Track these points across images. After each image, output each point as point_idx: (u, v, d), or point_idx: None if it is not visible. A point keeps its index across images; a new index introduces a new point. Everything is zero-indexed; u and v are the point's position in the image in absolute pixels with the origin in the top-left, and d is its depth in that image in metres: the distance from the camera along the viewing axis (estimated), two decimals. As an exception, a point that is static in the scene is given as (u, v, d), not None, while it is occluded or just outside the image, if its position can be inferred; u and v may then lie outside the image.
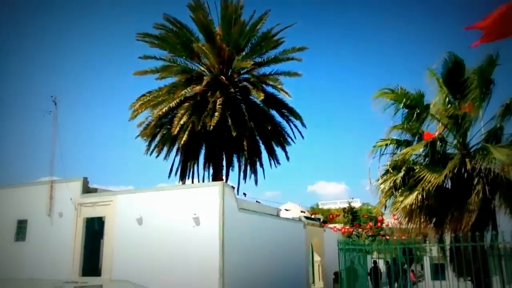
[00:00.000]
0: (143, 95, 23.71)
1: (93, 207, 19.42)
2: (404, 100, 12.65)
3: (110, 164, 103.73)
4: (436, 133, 12.21)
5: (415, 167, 11.86)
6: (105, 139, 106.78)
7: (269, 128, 24.68)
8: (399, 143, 12.71)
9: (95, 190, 20.38)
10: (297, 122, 25.43)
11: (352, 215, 35.83)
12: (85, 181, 20.10)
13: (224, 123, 22.33)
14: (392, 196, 12.27)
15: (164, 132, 23.89)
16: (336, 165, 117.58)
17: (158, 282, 17.03)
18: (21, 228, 20.89)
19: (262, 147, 25.75)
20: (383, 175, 12.56)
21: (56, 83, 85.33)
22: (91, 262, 19.29)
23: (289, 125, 25.54)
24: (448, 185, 12.06)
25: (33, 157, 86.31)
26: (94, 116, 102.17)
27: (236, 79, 24.64)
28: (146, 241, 17.83)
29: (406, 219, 12.50)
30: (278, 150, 25.90)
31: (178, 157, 25.27)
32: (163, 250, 17.40)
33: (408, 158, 11.96)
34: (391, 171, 12.40)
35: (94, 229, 19.63)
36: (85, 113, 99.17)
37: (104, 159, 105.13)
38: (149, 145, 24.54)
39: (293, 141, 25.73)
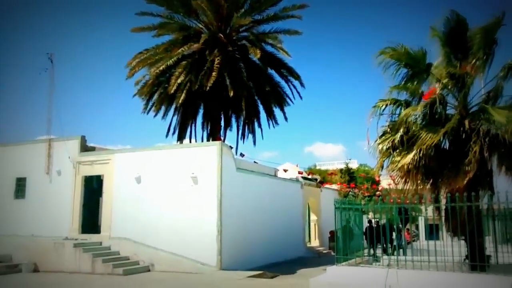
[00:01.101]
0: (140, 52, 23.33)
1: (92, 166, 19.47)
2: (405, 58, 12.43)
3: (107, 123, 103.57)
4: (436, 94, 12.06)
5: (413, 128, 11.78)
6: (102, 98, 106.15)
7: (267, 88, 24.45)
8: (399, 104, 12.55)
9: (93, 149, 20.38)
10: (296, 82, 25.18)
11: (349, 176, 36.12)
12: (83, 140, 20.07)
13: (222, 83, 22.11)
14: (390, 157, 12.26)
15: (161, 91, 23.64)
16: (333, 127, 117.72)
17: (157, 240, 17.30)
18: (20, 186, 21.01)
19: (261, 107, 25.58)
20: (381, 135, 12.49)
21: (52, 41, 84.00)
22: (90, 219, 19.52)
23: (288, 85, 25.28)
24: (446, 145, 12.03)
25: (31, 116, 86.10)
26: (91, 75, 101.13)
27: (234, 37, 24.19)
28: (145, 200, 17.99)
29: (403, 179, 12.53)
30: (277, 111, 25.77)
31: (176, 117, 25.17)
32: (161, 209, 17.59)
33: (407, 119, 11.86)
34: (390, 131, 12.31)
35: (93, 188, 19.76)
36: (82, 71, 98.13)
37: (101, 118, 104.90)
38: (147, 104, 24.36)
39: (291, 101, 25.55)
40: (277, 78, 25.25)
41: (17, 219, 20.54)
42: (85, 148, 20.08)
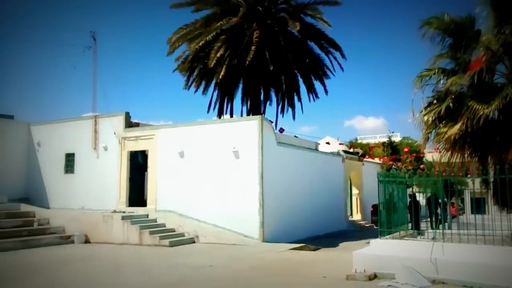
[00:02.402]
0: (180, 28, 23.45)
1: (136, 141, 19.99)
2: (451, 27, 11.97)
3: (149, 99, 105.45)
4: (484, 62, 11.56)
5: (460, 98, 11.39)
6: (145, 74, 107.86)
7: (307, 60, 24.15)
8: (445, 73, 12.15)
9: (137, 125, 20.88)
10: (337, 54, 24.67)
11: (392, 149, 35.47)
12: (128, 116, 20.57)
13: (261, 57, 21.96)
14: (435, 128, 11.95)
15: (201, 66, 23.78)
16: (374, 99, 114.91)
17: (200, 212, 17.72)
18: (69, 161, 21.90)
19: (300, 81, 25.34)
20: (426, 106, 12.17)
21: (95, 19, 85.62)
22: (137, 193, 20.17)
23: (328, 57, 24.84)
24: (495, 116, 11.58)
25: (76, 93, 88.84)
26: (133, 52, 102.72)
27: (273, 10, 23.90)
28: (188, 174, 18.38)
29: (449, 151, 12.22)
30: (317, 84, 25.47)
31: (216, 92, 25.31)
32: (204, 182, 17.94)
33: (454, 88, 11.47)
34: (435, 102, 11.97)
35: (138, 162, 20.35)
36: (125, 49, 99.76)
37: (143, 94, 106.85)
38: (188, 80, 24.58)
39: (332, 73, 25.14)
40: (317, 50, 24.88)
41: (68, 193, 21.51)
42: (129, 124, 20.59)
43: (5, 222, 17.20)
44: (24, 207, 19.52)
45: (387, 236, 10.68)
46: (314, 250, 15.59)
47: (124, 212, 18.40)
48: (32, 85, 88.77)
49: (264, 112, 24.80)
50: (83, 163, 21.50)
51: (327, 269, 10.93)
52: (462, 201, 31.62)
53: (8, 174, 21.95)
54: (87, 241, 17.37)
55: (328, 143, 28.12)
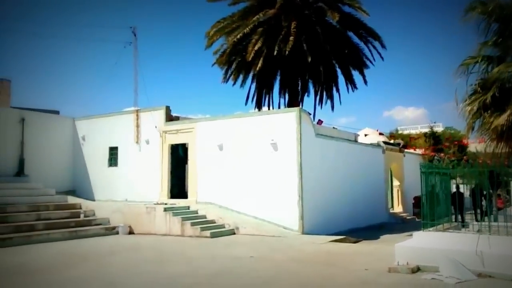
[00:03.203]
0: (218, 22, 23.61)
1: (177, 134, 20.36)
2: (497, 12, 11.52)
3: (187, 93, 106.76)
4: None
5: (507, 85, 10.98)
6: (183, 68, 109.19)
7: (346, 51, 23.84)
8: (490, 61, 11.74)
9: (177, 118, 21.25)
10: (376, 43, 24.20)
11: (434, 140, 34.56)
12: (168, 110, 20.97)
13: (299, 48, 21.84)
14: (480, 118, 11.58)
15: (239, 59, 23.90)
16: (415, 89, 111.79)
17: (240, 204, 17.91)
18: (113, 154, 22.58)
19: (339, 71, 25.06)
20: (471, 95, 11.81)
21: (134, 14, 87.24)
22: (178, 185, 20.59)
23: (368, 47, 24.42)
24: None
25: (118, 88, 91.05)
26: (172, 46, 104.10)
27: (310, 0, 23.67)
28: (227, 166, 18.59)
29: (495, 142, 11.83)
30: (355, 74, 25.13)
31: (254, 85, 25.40)
32: (243, 174, 18.09)
33: (501, 76, 11.06)
34: (480, 90, 11.59)
35: (179, 155, 20.73)
36: (164, 43, 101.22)
37: (182, 88, 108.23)
38: (226, 73, 24.78)
39: (372, 63, 24.71)
40: (356, 40, 24.50)
41: (112, 185, 22.20)
42: (169, 117, 20.99)
43: (53, 213, 17.94)
44: (71, 199, 20.28)
45: (430, 229, 10.47)
46: (355, 242, 15.49)
47: (166, 204, 18.81)
48: (76, 81, 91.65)
49: (302, 104, 24.72)
50: (126, 156, 22.11)
51: (368, 262, 10.84)
52: (508, 192, 30.50)
53: (55, 167, 22.85)
54: (131, 232, 17.89)
55: (367, 134, 27.74)
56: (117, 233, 17.70)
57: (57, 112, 28.36)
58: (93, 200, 21.93)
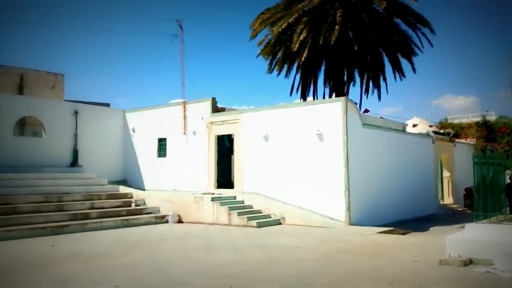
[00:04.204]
0: (262, 13, 23.65)
1: (223, 125, 20.63)
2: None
3: (231, 84, 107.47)
4: None
5: None
6: (227, 60, 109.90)
7: (393, 38, 23.29)
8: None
9: (223, 110, 21.51)
10: (425, 30, 23.48)
11: (487, 129, 33.25)
12: (214, 101, 21.25)
13: (345, 37, 21.55)
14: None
15: (284, 49, 23.85)
16: (464, 77, 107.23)
17: (286, 195, 17.97)
18: (162, 145, 23.18)
19: (386, 60, 24.54)
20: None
21: (180, 8, 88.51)
22: (224, 176, 20.89)
23: (416, 34, 23.74)
24: None
25: (165, 80, 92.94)
26: (216, 39, 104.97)
27: (356, -13, 23.25)
28: (273, 156, 18.67)
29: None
30: (403, 62, 24.53)
31: (299, 75, 25.31)
32: (288, 165, 18.12)
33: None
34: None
35: (225, 146, 21.01)
36: (208, 35, 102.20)
37: (226, 79, 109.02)
38: (270, 63, 24.82)
39: (420, 50, 24.03)
40: (404, 27, 23.89)
41: (161, 175, 22.83)
42: (215, 109, 21.27)
43: (106, 202, 18.67)
44: (123, 189, 21.02)
45: (483, 221, 10.15)
46: (403, 234, 15.23)
47: (213, 194, 19.16)
48: (125, 74, 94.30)
49: (347, 93, 24.42)
50: (174, 147, 22.64)
51: (418, 253, 10.66)
52: None
53: (107, 158, 23.72)
54: (180, 221, 18.37)
55: (416, 124, 27.06)
56: (167, 221, 18.22)
57: (107, 105, 29.36)
58: (143, 189, 22.62)
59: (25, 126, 23.87)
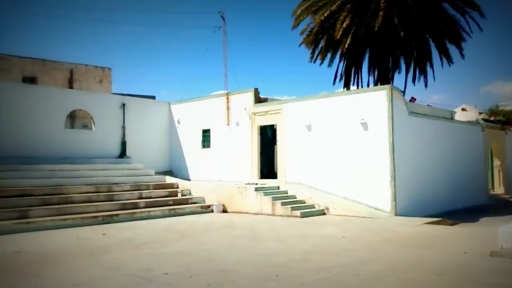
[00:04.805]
0: (304, 0, 23.42)
1: (265, 116, 20.70)
2: None
3: (273, 74, 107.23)
4: None
5: None
6: (270, 50, 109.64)
7: (440, 23, 22.54)
8: None
9: (265, 100, 21.57)
10: (475, 14, 22.57)
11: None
12: (257, 92, 21.35)
13: (389, 23, 21.05)
14: None
15: (326, 38, 23.59)
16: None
17: (329, 185, 17.89)
18: (206, 136, 23.56)
19: (432, 46, 23.81)
20: None
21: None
22: (267, 166, 21.01)
23: (465, 18, 22.87)
24: None
25: (208, 72, 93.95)
26: (258, 29, 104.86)
27: (401, -28, 22.59)
28: (316, 146, 18.59)
29: None
30: (451, 48, 23.71)
31: (342, 63, 24.98)
32: (332, 155, 18.00)
33: None
34: None
35: (267, 136, 21.10)
36: (250, 26, 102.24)
37: (268, 70, 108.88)
38: (313, 52, 24.62)
39: (469, 35, 23.15)
40: (451, 11, 23.07)
41: (205, 166, 23.23)
42: (258, 99, 21.37)
43: (153, 192, 19.20)
44: (169, 179, 21.52)
45: (539, 211, 9.75)
46: (452, 225, 14.85)
47: (256, 184, 19.31)
48: (169, 67, 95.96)
49: (392, 81, 23.94)
50: (217, 138, 22.95)
51: (467, 245, 10.38)
52: None
53: (154, 149, 24.34)
54: (224, 210, 18.66)
55: (463, 109, 26.18)
56: (212, 211, 18.55)
57: (153, 97, 30.11)
58: (189, 180, 23.10)
59: (76, 119, 24.88)
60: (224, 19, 22.76)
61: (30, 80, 27.09)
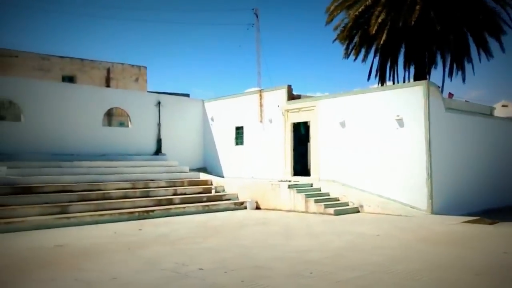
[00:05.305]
0: (338, -4, 23.17)
1: (298, 113, 20.64)
2: None
3: (306, 71, 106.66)
4: None
5: None
6: (303, 46, 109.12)
7: (479, 17, 21.85)
8: None
9: (298, 97, 21.50)
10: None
11: None
12: (290, 89, 21.30)
13: (426, 17, 20.57)
14: None
15: (361, 33, 23.26)
16: None
17: (364, 182, 17.68)
18: (239, 133, 23.70)
19: (470, 40, 23.11)
20: None
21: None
22: (301, 163, 20.95)
23: (505, 10, 22.06)
24: None
25: (241, 69, 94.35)
26: (291, 25, 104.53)
27: (438, -35, 22.02)
28: (350, 143, 18.41)
29: None
30: (491, 42, 22.94)
31: (377, 59, 24.61)
32: (366, 152, 17.78)
33: None
34: None
35: (300, 133, 21.04)
36: (283, 23, 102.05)
37: (301, 66, 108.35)
38: (347, 48, 24.31)
39: (510, 28, 22.31)
40: (491, 3, 22.28)
41: (238, 163, 23.39)
42: (291, 96, 21.31)
43: (188, 189, 19.49)
44: (203, 176, 21.80)
45: None
46: (491, 224, 14.45)
47: (289, 181, 19.30)
48: (202, 65, 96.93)
49: (429, 77, 23.39)
50: (251, 135, 23.05)
51: (507, 245, 10.11)
52: None
53: (188, 146, 24.69)
54: (257, 207, 18.76)
55: (504, 105, 25.33)
56: (245, 208, 18.68)
57: (187, 95, 30.52)
58: (222, 176, 23.31)
59: (112, 117, 25.51)
60: (257, 16, 22.84)
61: (69, 79, 27.97)
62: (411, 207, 16.04)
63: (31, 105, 19.53)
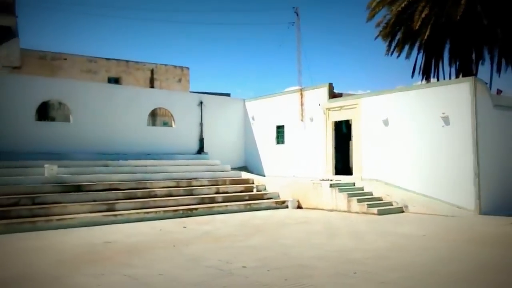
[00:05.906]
0: (379, -9, 22.81)
1: (340, 111, 20.46)
2: None
3: (347, 69, 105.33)
4: None
5: None
6: (343, 44, 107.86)
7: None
8: None
9: (340, 95, 21.31)
10: None
11: None
12: (331, 87, 21.15)
13: (472, 11, 19.95)
14: None
15: (404, 29, 22.81)
16: None
17: (408, 181, 17.33)
18: (280, 132, 23.75)
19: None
20: None
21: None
22: (342, 162, 20.79)
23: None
24: None
25: (282, 68, 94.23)
26: (331, 22, 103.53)
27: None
28: (393, 142, 18.09)
29: None
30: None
31: (421, 55, 24.07)
32: (410, 150, 17.43)
33: None
34: None
35: (342, 132, 20.85)
36: (323, 20, 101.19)
37: (342, 64, 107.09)
38: (389, 45, 23.93)
39: None
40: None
41: (279, 162, 23.44)
42: (332, 94, 21.16)
43: (230, 187, 19.72)
44: (244, 175, 22.00)
45: None
46: (543, 225, 13.82)
47: (331, 180, 19.17)
48: (243, 64, 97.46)
49: (476, 73, 22.64)
50: (291, 134, 23.05)
51: (562, 247, 9.67)
52: None
53: (229, 145, 24.95)
54: (299, 206, 18.75)
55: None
56: (287, 207, 18.71)
57: (228, 95, 30.83)
58: (263, 175, 23.42)
59: (156, 117, 26.11)
60: (298, 15, 22.71)
61: (115, 80, 28.84)
62: (457, 207, 15.60)
63: (79, 106, 20.29)
